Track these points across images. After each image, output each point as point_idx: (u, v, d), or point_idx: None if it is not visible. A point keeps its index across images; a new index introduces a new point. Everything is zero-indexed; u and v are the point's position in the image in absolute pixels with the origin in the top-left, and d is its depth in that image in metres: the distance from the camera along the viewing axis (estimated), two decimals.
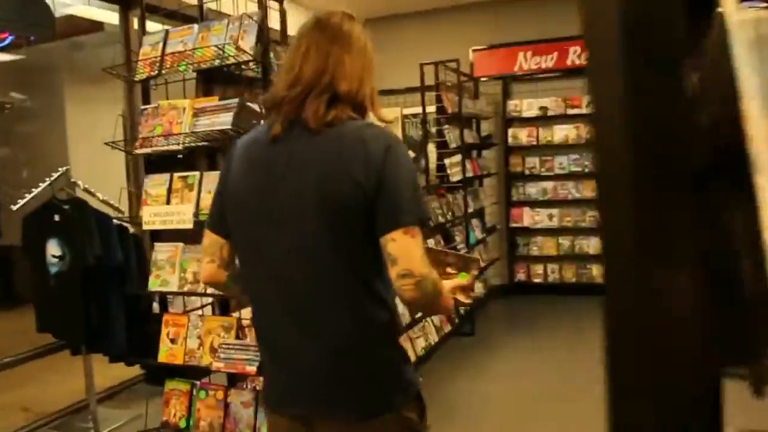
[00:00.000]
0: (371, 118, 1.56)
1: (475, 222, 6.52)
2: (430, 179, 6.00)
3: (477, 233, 6.50)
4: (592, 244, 7.06)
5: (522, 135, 7.26)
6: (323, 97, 1.46)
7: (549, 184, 7.22)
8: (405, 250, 1.38)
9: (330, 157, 1.43)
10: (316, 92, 1.46)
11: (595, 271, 7.04)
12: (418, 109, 7.55)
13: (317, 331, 1.47)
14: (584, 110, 6.99)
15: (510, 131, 7.31)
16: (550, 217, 7.21)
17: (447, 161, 5.85)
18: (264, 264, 1.51)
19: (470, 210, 6.15)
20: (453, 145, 5.89)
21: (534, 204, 7.33)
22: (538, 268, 7.31)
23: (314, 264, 1.45)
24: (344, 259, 1.44)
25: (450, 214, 5.74)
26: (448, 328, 5.48)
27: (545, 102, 7.13)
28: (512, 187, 7.39)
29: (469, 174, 6.13)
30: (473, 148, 6.83)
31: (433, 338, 5.16)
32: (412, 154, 7.38)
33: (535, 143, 7.20)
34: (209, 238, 1.64)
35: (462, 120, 5.94)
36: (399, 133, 7.62)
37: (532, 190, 7.28)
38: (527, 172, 7.26)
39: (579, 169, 7.04)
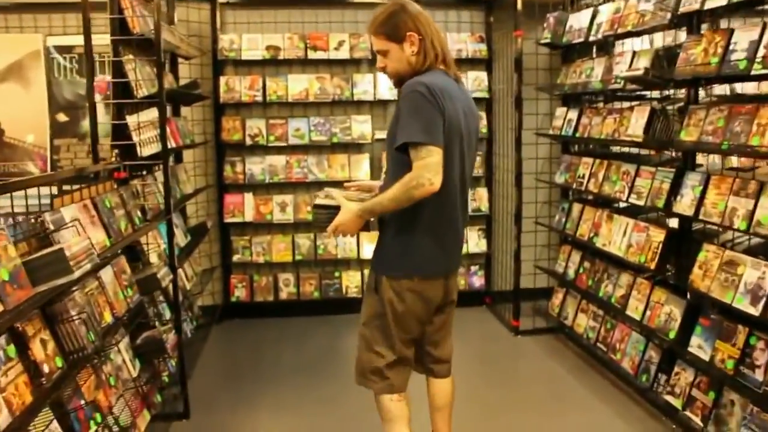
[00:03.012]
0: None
1: (176, 220, 4.04)
2: (101, 154, 3.35)
3: (179, 238, 4.07)
4: (343, 245, 5.09)
5: (241, 87, 4.92)
6: None
7: (281, 160, 5.03)
8: None
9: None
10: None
11: (347, 281, 5.09)
12: (77, 39, 4.75)
13: (463, 219, 2.42)
14: (332, 54, 4.91)
15: (222, 80, 4.90)
16: (283, 207, 5.04)
17: (131, 120, 3.27)
18: (456, 173, 2.28)
19: (172, 202, 3.65)
20: (142, 93, 3.33)
21: (259, 188, 5.08)
22: (265, 281, 5.12)
23: (469, 172, 2.41)
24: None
25: (140, 213, 3.23)
26: (147, 415, 3.00)
27: (275, 39, 4.88)
28: (226, 165, 5.03)
29: (172, 144, 3.63)
30: (170, 102, 4.29)
31: None
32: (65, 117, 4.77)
33: (260, 99, 4.92)
34: (441, 154, 2.14)
35: (160, 52, 3.38)
36: (40, 78, 4.74)
37: (256, 168, 5.01)
38: (249, 141, 4.95)
39: (324, 138, 4.97)
